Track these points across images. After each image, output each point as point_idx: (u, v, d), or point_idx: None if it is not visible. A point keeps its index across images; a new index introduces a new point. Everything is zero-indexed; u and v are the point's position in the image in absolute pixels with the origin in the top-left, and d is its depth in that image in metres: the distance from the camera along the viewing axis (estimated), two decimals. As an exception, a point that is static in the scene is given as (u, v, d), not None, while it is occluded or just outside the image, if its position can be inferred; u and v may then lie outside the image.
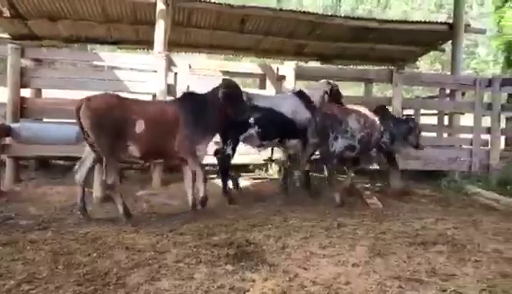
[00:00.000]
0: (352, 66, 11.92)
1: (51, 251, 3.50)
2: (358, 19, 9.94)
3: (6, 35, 10.12)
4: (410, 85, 10.57)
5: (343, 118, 5.82)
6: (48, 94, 7.92)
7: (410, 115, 7.57)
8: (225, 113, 5.09)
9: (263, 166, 7.95)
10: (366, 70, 10.61)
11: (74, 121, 4.62)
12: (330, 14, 10.18)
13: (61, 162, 8.32)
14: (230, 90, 5.12)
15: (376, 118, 6.21)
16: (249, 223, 4.66)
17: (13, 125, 5.87)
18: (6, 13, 8.96)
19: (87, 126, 4.46)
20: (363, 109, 6.18)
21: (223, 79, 5.62)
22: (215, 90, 5.18)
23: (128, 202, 5.11)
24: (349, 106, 6.26)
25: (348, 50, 11.41)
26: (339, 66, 11.48)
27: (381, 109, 6.54)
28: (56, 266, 3.18)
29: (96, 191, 5.55)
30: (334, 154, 5.79)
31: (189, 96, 5.23)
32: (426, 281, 3.15)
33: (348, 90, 21.21)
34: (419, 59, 13.24)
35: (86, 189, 4.85)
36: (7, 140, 6.04)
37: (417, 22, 10.02)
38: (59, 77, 6.78)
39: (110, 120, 4.47)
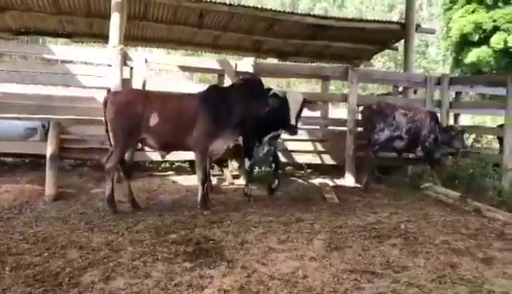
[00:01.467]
0: (309, 63, 12.09)
1: (-3, 253, 3.33)
2: (315, 16, 10.09)
3: None
4: (365, 82, 10.86)
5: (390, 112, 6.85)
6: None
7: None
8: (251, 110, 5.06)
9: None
10: (323, 67, 10.80)
11: (22, 116, 4.44)
12: (287, 11, 10.24)
13: (10, 159, 7.93)
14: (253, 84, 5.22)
15: (427, 118, 7.04)
16: (207, 220, 4.63)
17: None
18: None
19: (108, 118, 4.86)
20: (414, 108, 7.22)
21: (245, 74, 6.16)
22: (239, 85, 5.28)
23: (82, 200, 4.97)
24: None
25: (305, 47, 11.55)
26: (297, 63, 11.62)
27: (433, 114, 7.34)
28: (2, 268, 3.03)
29: (49, 189, 5.33)
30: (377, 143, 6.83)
31: (212, 90, 5.28)
32: (380, 273, 3.24)
33: (304, 86, 21.60)
34: (374, 57, 13.62)
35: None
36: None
37: (372, 21, 10.30)
38: (7, 70, 6.44)
39: (128, 115, 4.82)
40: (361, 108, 7.55)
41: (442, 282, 3.11)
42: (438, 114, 7.77)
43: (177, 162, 7.79)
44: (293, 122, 5.26)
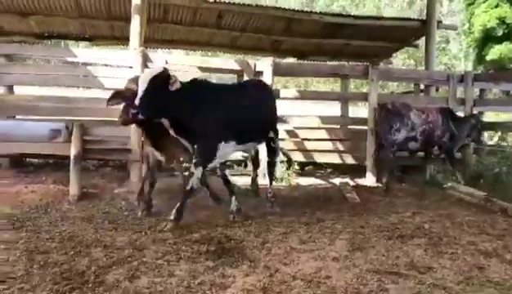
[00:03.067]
0: (327, 62, 12.03)
1: (26, 251, 3.40)
2: (334, 15, 10.04)
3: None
4: (386, 80, 10.75)
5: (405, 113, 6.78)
6: (21, 91, 7.70)
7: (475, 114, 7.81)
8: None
9: (242, 162, 7.94)
10: (342, 66, 10.72)
11: (47, 118, 4.54)
12: (305, 10, 10.21)
13: (35, 160, 8.12)
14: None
15: (439, 116, 6.95)
16: (228, 219, 4.65)
17: (-16, 123, 5.69)
18: (-27, 7, 8.66)
19: None
20: (426, 107, 7.10)
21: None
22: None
23: (105, 199, 5.05)
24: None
25: (324, 46, 11.48)
26: (316, 62, 11.57)
27: (444, 110, 7.18)
28: (31, 265, 3.09)
29: (73, 189, 5.44)
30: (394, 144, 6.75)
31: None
32: (405, 274, 3.20)
33: (323, 85, 21.46)
34: (394, 55, 13.46)
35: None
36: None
37: (391, 18, 10.19)
38: (31, 73, 6.60)
39: None
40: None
41: (470, 284, 3.05)
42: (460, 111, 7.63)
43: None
44: (137, 101, 3.98)
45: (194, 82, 4.58)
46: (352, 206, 5.61)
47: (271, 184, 5.43)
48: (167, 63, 6.93)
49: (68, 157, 5.63)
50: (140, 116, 4.02)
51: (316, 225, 4.52)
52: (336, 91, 14.68)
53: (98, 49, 11.19)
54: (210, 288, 2.85)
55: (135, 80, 4.36)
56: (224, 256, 3.46)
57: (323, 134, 8.18)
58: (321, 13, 9.71)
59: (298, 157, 7.96)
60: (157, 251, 3.53)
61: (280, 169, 7.36)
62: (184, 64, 7.34)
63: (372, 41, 10.91)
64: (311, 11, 10.05)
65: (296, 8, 10.26)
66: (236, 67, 7.59)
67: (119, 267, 3.14)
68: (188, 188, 4.35)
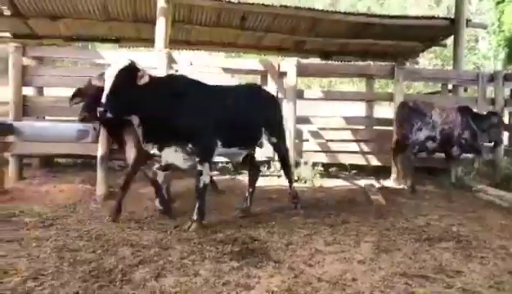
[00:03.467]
0: (352, 62, 11.90)
1: (56, 248, 3.49)
2: (359, 14, 9.91)
3: (7, 34, 10.09)
4: (412, 80, 10.54)
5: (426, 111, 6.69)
6: (50, 92, 7.91)
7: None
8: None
9: (266, 163, 7.93)
10: (368, 66, 10.59)
11: (76, 119, 4.64)
12: (330, 10, 10.11)
13: (63, 160, 8.33)
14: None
15: (458, 117, 6.83)
16: (252, 220, 4.66)
17: (16, 123, 5.86)
18: (7, 12, 8.93)
19: None
20: (447, 106, 6.98)
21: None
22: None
23: (130, 199, 5.12)
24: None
25: (349, 46, 11.37)
26: (340, 62, 11.46)
27: (464, 109, 7.01)
28: (61, 263, 3.17)
29: (100, 189, 5.55)
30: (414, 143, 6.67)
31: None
32: (433, 277, 3.13)
33: (347, 86, 21.23)
34: (420, 54, 13.21)
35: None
36: (10, 138, 6.03)
37: (418, 17, 9.99)
38: (60, 75, 6.77)
39: None
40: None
41: (500, 289, 2.97)
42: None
43: (221, 163, 7.88)
44: (103, 98, 3.71)
45: (170, 77, 4.46)
46: (377, 208, 5.53)
47: (290, 186, 5.34)
48: (191, 64, 7.01)
49: (95, 157, 5.75)
50: (108, 114, 3.71)
51: (341, 227, 4.48)
52: (361, 91, 14.52)
53: (124, 51, 11.41)
54: (235, 288, 2.86)
55: (100, 77, 4.09)
56: (248, 257, 3.46)
57: (348, 135, 8.11)
58: (345, 13, 9.60)
59: (322, 158, 7.91)
60: (182, 250, 3.56)
61: (303, 170, 7.34)
62: (208, 65, 7.40)
63: (398, 40, 10.75)
64: (335, 11, 9.96)
65: (320, 8, 10.15)
66: (260, 67, 7.60)
67: (145, 266, 3.18)
68: (201, 186, 4.29)
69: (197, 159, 4.26)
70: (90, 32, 10.46)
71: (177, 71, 6.96)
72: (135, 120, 4.05)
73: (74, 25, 9.95)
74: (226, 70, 7.41)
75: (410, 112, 6.74)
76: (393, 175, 7.34)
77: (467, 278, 3.14)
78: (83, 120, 4.51)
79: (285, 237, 4.06)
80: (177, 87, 4.28)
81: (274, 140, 5.12)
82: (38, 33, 10.18)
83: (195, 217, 4.27)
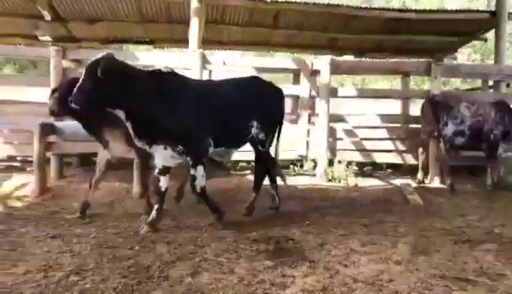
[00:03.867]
0: (387, 59, 11.66)
1: (96, 245, 3.61)
2: (394, 10, 9.71)
3: (47, 38, 10.47)
4: (451, 77, 10.23)
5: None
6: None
7: None
8: None
9: (298, 162, 7.89)
10: (403, 62, 10.34)
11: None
12: (364, 6, 9.96)
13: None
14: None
15: (492, 111, 6.43)
16: (286, 219, 4.65)
17: (57, 123, 6.08)
18: (48, 16, 9.27)
19: None
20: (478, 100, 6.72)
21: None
22: None
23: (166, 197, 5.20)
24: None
25: (383, 42, 11.17)
26: (375, 59, 11.26)
27: (500, 104, 6.66)
28: (101, 259, 3.27)
29: (136, 187, 5.67)
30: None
31: None
32: (474, 280, 3.03)
33: (382, 83, 20.83)
34: (459, 49, 12.80)
35: None
36: (52, 138, 6.26)
37: (457, 11, 9.68)
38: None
39: None
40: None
41: (547, 294, 2.84)
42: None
43: (253, 161, 7.89)
44: (74, 91, 3.64)
45: (157, 72, 4.22)
46: (414, 208, 5.42)
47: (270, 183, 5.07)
48: (224, 64, 7.06)
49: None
50: (75, 106, 3.62)
51: (377, 227, 4.41)
52: (395, 88, 14.23)
53: (158, 52, 11.63)
54: (270, 287, 2.86)
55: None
56: (283, 256, 3.46)
57: (383, 133, 7.95)
58: (380, 9, 9.44)
59: (356, 157, 7.79)
60: (217, 248, 3.60)
61: (337, 169, 7.26)
62: (242, 65, 7.43)
63: (435, 36, 10.46)
64: (369, 7, 9.80)
65: (354, 5, 10.01)
66: (293, 66, 7.58)
67: (181, 263, 3.24)
68: (198, 191, 4.18)
69: (190, 162, 4.12)
70: (125, 34, 10.73)
71: (210, 71, 7.05)
72: (121, 115, 3.89)
73: (110, 28, 10.23)
74: (258, 69, 7.42)
75: (436, 106, 6.53)
76: (432, 175, 7.14)
77: (511, 282, 3.02)
78: (52, 114, 4.45)
79: (320, 236, 4.03)
80: (164, 83, 4.11)
81: (262, 136, 4.73)
82: (77, 36, 10.53)
83: (215, 217, 4.29)
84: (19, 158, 7.69)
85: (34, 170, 5.75)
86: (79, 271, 3.02)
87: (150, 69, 4.20)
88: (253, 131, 4.65)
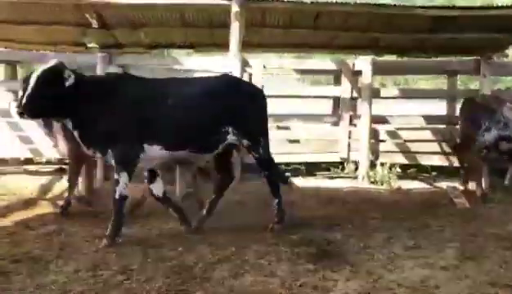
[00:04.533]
0: (432, 58, 11.29)
1: (140, 245, 3.71)
2: (439, 8, 9.38)
3: (93, 45, 10.89)
4: (502, 75, 9.74)
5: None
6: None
7: None
8: None
9: (339, 164, 7.79)
10: (450, 61, 9.99)
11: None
12: (407, 5, 9.67)
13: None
14: None
15: None
16: (327, 222, 4.59)
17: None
18: (95, 24, 9.64)
19: None
20: None
21: None
22: None
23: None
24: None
25: (427, 41, 10.79)
26: (419, 59, 10.93)
27: None
28: (145, 259, 3.37)
29: (178, 189, 5.79)
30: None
31: None
32: (528, 288, 2.89)
33: (425, 82, 20.21)
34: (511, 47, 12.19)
35: None
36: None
37: (508, 7, 9.23)
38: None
39: None
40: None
41: None
42: None
43: (293, 164, 7.87)
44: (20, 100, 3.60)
45: (104, 77, 4.19)
46: (461, 212, 5.22)
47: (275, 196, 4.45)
48: (264, 67, 7.09)
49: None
50: (24, 116, 3.63)
51: (422, 231, 4.29)
52: (440, 88, 13.77)
53: (199, 56, 11.83)
54: (312, 291, 2.85)
55: None
56: (324, 259, 3.43)
57: (427, 134, 7.71)
58: (424, 7, 9.14)
59: (400, 159, 7.60)
60: (258, 250, 3.62)
61: (380, 172, 7.11)
62: (282, 68, 7.44)
63: (484, 33, 10.00)
64: (413, 6, 9.52)
65: (396, 3, 9.75)
66: (333, 67, 7.50)
67: (223, 264, 3.28)
68: (117, 197, 3.90)
69: (115, 167, 3.94)
70: (167, 39, 10.97)
71: (250, 75, 7.10)
72: (68, 123, 3.90)
73: (153, 33, 10.49)
74: (298, 71, 7.41)
75: (476, 109, 6.06)
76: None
77: None
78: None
79: (362, 240, 3.97)
80: (108, 87, 4.03)
81: (246, 142, 4.33)
82: (121, 42, 10.88)
83: (107, 233, 3.82)
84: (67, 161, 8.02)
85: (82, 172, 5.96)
86: (125, 271, 3.12)
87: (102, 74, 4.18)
88: (230, 137, 4.23)
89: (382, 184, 6.87)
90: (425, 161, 7.62)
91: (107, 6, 8.34)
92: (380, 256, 3.56)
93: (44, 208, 4.97)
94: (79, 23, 9.66)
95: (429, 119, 7.94)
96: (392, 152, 7.65)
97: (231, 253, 3.53)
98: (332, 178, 7.31)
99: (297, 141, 7.39)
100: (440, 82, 16.14)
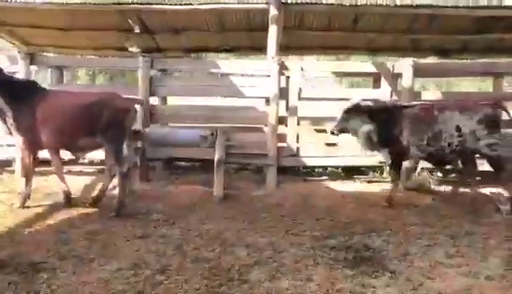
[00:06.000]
0: (476, 60, 10.88)
1: (179, 246, 3.79)
2: (485, 8, 9.04)
3: (136, 49, 11.20)
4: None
5: None
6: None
7: None
8: None
9: (378, 168, 7.64)
10: (496, 63, 9.60)
11: (197, 125, 4.98)
12: (450, 5, 9.36)
13: (183, 163, 8.95)
14: None
15: None
16: (365, 227, 4.53)
17: (144, 129, 6.49)
18: (137, 29, 9.93)
19: None
20: None
21: None
22: None
23: (245, 201, 5.32)
24: None
25: (471, 42, 10.43)
26: (462, 60, 10.57)
27: None
28: (184, 260, 3.43)
29: (216, 190, 5.86)
30: None
31: None
32: None
33: (471, 85, 19.47)
34: None
35: None
36: (138, 143, 6.68)
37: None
38: (181, 85, 7.34)
39: None
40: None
41: None
42: None
43: (331, 167, 7.78)
44: None
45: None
46: (507, 219, 5.00)
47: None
48: (302, 70, 7.07)
49: (212, 160, 6.10)
50: None
51: (465, 239, 4.15)
52: (484, 90, 13.25)
53: (237, 59, 11.93)
54: (349, 297, 2.82)
55: None
56: (363, 265, 3.39)
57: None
58: (470, 7, 8.80)
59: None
60: (295, 254, 3.62)
61: (420, 176, 6.93)
62: (320, 70, 7.39)
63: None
64: (457, 6, 9.22)
65: (440, 3, 9.44)
66: (373, 70, 7.38)
67: (260, 267, 3.30)
68: None
69: None
70: (206, 43, 11.14)
71: (288, 77, 7.09)
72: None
73: (192, 37, 10.69)
74: (337, 74, 7.32)
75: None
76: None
77: None
78: None
79: (402, 247, 3.89)
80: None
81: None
82: (162, 47, 11.14)
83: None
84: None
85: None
86: (164, 270, 3.19)
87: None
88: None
89: (422, 189, 6.68)
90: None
91: (149, 12, 8.56)
92: (421, 263, 3.47)
93: (87, 208, 5.15)
94: (122, 28, 9.97)
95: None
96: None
97: (268, 256, 3.54)
98: (370, 182, 7.18)
99: (334, 144, 7.30)
100: (484, 85, 15.54)
